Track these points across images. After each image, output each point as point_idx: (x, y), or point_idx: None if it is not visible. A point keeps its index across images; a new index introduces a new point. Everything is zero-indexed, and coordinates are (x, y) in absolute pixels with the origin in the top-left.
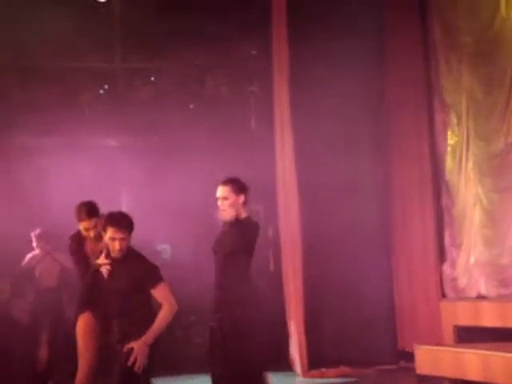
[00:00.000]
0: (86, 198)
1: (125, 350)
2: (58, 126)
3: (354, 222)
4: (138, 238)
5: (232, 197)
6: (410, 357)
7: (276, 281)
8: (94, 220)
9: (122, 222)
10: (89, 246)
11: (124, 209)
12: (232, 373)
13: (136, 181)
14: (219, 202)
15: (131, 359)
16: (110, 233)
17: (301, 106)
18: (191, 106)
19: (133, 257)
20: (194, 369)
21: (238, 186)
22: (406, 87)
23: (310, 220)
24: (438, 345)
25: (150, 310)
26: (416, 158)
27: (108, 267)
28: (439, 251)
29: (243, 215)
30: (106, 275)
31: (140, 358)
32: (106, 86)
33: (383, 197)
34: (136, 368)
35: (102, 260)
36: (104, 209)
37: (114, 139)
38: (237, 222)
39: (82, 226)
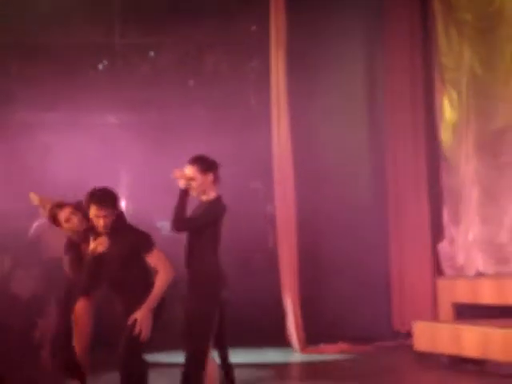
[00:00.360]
0: (85, 174)
1: (130, 321)
2: (57, 102)
3: (349, 198)
4: (137, 215)
5: (199, 177)
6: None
7: (275, 257)
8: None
9: (104, 199)
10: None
11: (123, 185)
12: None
13: (135, 157)
14: (185, 183)
15: (137, 329)
16: (93, 210)
17: (298, 81)
18: (190, 83)
19: (122, 228)
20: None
21: (205, 164)
22: (405, 64)
23: (306, 196)
24: (436, 321)
25: (149, 280)
26: (413, 134)
27: (104, 245)
28: (435, 229)
29: (212, 195)
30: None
31: (145, 327)
32: (105, 62)
33: (379, 174)
34: (142, 337)
35: (95, 244)
36: (103, 184)
37: (112, 115)
38: (204, 203)
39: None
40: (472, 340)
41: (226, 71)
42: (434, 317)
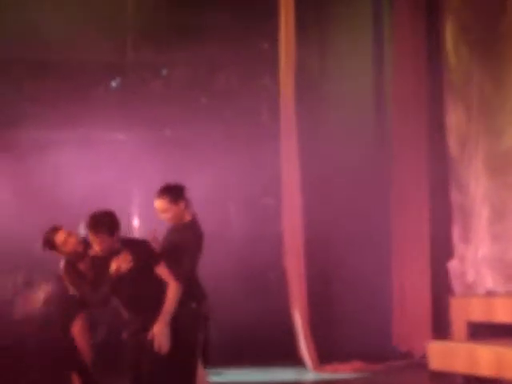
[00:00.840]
0: (97, 192)
1: (149, 337)
2: (68, 120)
3: (357, 214)
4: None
5: (171, 208)
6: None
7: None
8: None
9: (98, 225)
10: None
11: (135, 203)
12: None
13: (147, 175)
14: (161, 216)
15: (156, 345)
16: (90, 236)
17: (306, 98)
18: (202, 100)
19: (129, 245)
20: None
21: (174, 194)
22: (414, 81)
23: (313, 214)
24: (451, 340)
25: (163, 293)
26: (421, 150)
27: (127, 261)
28: (444, 247)
29: (187, 218)
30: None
31: (162, 340)
32: (118, 79)
33: (385, 191)
34: (162, 351)
35: (117, 262)
36: (116, 203)
37: (124, 133)
38: (179, 226)
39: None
40: (487, 359)
41: (237, 88)
42: (450, 335)
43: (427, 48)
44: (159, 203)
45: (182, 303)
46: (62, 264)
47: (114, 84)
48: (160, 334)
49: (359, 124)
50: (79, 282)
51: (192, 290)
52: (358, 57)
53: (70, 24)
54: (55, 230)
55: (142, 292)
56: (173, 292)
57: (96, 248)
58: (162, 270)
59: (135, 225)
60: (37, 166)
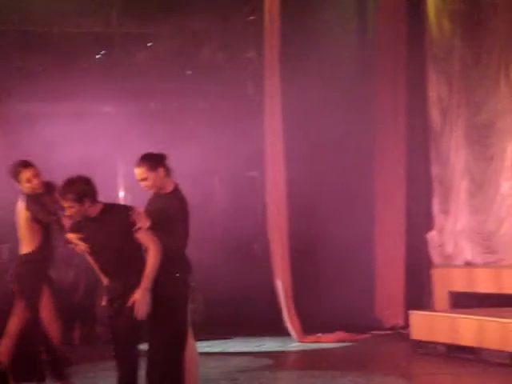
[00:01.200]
0: (83, 164)
1: (130, 303)
2: (55, 91)
3: (338, 187)
4: (133, 205)
5: (150, 175)
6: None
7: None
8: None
9: (66, 191)
10: None
11: (120, 175)
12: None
13: (132, 146)
14: (141, 184)
15: (136, 310)
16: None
17: (291, 70)
18: (188, 72)
19: (108, 211)
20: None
21: (153, 161)
22: (397, 52)
23: (296, 184)
24: (432, 310)
25: (143, 257)
26: (403, 122)
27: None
28: (424, 218)
29: (169, 188)
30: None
31: (142, 307)
32: (103, 51)
33: (368, 162)
34: (140, 315)
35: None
36: (102, 175)
37: (110, 105)
38: (162, 196)
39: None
40: (469, 328)
41: (222, 61)
42: (431, 305)
43: (410, 21)
44: (138, 171)
45: (170, 272)
46: (23, 199)
47: (99, 56)
48: (141, 300)
49: (342, 97)
50: (46, 211)
51: (180, 260)
52: (341, 29)
53: None
54: (25, 165)
55: (121, 257)
56: (153, 257)
57: (66, 212)
58: (143, 235)
59: (121, 196)
60: (23, 138)
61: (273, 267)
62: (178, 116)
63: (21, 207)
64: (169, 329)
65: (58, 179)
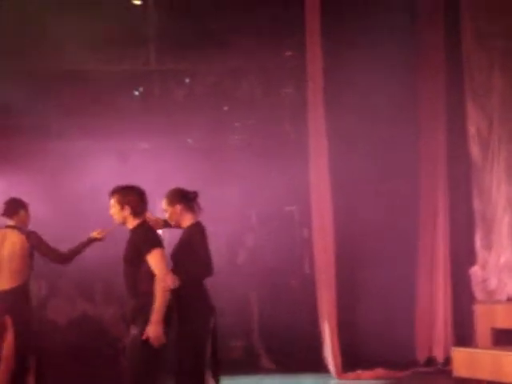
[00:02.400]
0: None
1: (144, 337)
2: (93, 129)
3: (385, 224)
4: (172, 240)
5: (168, 209)
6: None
7: (311, 283)
8: None
9: (117, 191)
10: None
11: (158, 211)
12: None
13: (170, 183)
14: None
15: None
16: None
17: (335, 107)
18: (225, 108)
19: (141, 227)
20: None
21: (174, 196)
22: (437, 90)
23: (343, 222)
24: (475, 347)
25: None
26: (445, 159)
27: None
28: (467, 254)
29: (186, 223)
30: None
31: (156, 340)
32: (141, 89)
33: (412, 200)
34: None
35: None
36: None
37: (148, 142)
38: (183, 230)
39: None
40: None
41: (261, 97)
42: (474, 342)
43: (448, 57)
44: (162, 203)
45: (193, 309)
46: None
47: (137, 93)
48: (153, 334)
49: (384, 133)
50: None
51: (201, 298)
52: (383, 66)
53: (95, 34)
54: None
55: (131, 277)
56: (159, 289)
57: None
58: (152, 259)
59: (160, 232)
60: (61, 176)
61: (316, 303)
62: (215, 152)
63: (18, 239)
64: (185, 364)
65: (96, 217)
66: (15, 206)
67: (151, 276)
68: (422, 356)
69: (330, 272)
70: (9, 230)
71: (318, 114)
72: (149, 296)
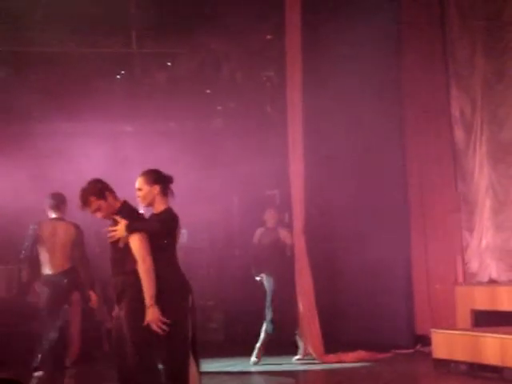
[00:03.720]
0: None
1: (145, 323)
2: (75, 112)
3: (371, 203)
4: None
5: (145, 188)
6: (426, 341)
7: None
8: None
9: (85, 196)
10: None
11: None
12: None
13: (151, 166)
14: (136, 193)
15: (155, 330)
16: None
17: (313, 89)
18: (207, 91)
19: (124, 207)
20: (210, 353)
21: (153, 177)
22: (422, 73)
23: (320, 201)
24: (454, 329)
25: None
26: (434, 141)
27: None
28: (456, 235)
29: (160, 208)
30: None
31: (156, 323)
32: (123, 72)
33: (401, 181)
34: (160, 331)
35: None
36: (120, 193)
37: (129, 124)
38: (153, 215)
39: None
40: (491, 347)
41: (242, 80)
42: (455, 323)
43: (433, 39)
44: (138, 180)
45: (168, 299)
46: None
47: (119, 76)
48: (152, 319)
49: (365, 114)
50: None
51: (176, 285)
52: (366, 50)
53: (76, 17)
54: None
55: (118, 259)
56: (143, 272)
57: (98, 215)
58: (132, 244)
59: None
60: (41, 158)
61: (295, 286)
62: (198, 135)
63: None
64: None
65: (77, 198)
66: (63, 200)
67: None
68: (403, 337)
69: (303, 248)
70: (58, 222)
71: (296, 96)
72: (136, 274)
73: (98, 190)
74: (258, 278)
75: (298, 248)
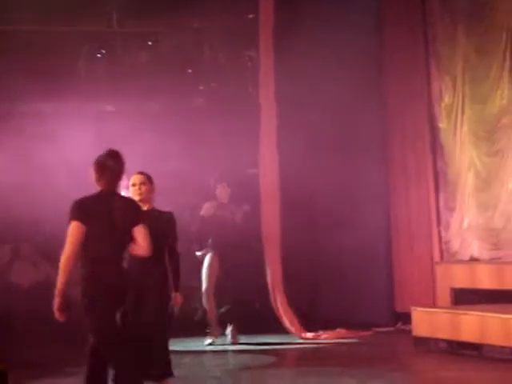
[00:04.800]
0: (82, 164)
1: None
2: (55, 91)
3: (350, 183)
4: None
5: (148, 183)
6: (406, 319)
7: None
8: None
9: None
10: None
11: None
12: None
13: (134, 146)
14: (133, 187)
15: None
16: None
17: (285, 67)
18: (189, 71)
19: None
20: (190, 332)
21: (150, 177)
22: (403, 52)
23: (299, 182)
24: (434, 307)
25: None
26: (413, 121)
27: None
28: (435, 214)
29: (150, 206)
30: None
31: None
32: (104, 51)
33: (382, 159)
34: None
35: None
36: None
37: (111, 104)
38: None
39: None
40: (470, 325)
41: (224, 60)
42: (435, 301)
43: (413, 18)
44: (142, 175)
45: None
46: None
47: (99, 55)
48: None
49: (348, 95)
50: None
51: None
52: (344, 26)
53: None
54: None
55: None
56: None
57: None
58: (137, 233)
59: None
60: (22, 138)
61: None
62: (179, 115)
63: None
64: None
65: (59, 178)
66: None
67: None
68: (383, 316)
69: (276, 238)
70: None
71: (268, 74)
72: None
73: None
74: (198, 253)
75: (270, 226)
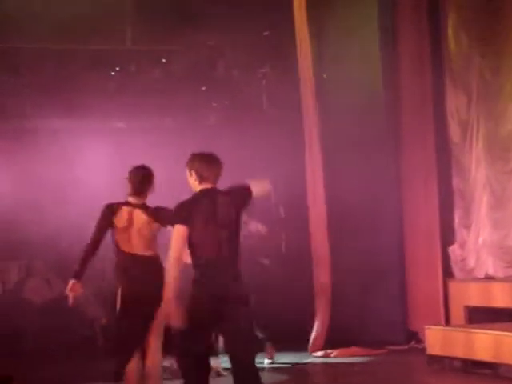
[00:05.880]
0: (95, 180)
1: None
2: (68, 109)
3: (362, 200)
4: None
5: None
6: (420, 337)
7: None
8: None
9: None
10: None
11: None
12: None
13: (147, 163)
14: None
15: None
16: None
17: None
18: (203, 88)
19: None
20: None
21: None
22: (417, 68)
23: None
24: (448, 325)
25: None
26: (424, 137)
27: None
28: (445, 232)
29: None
30: None
31: (171, 318)
32: (117, 68)
33: (392, 176)
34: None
35: None
36: (115, 191)
37: (124, 121)
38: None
39: None
40: (484, 344)
41: (238, 76)
42: (446, 320)
43: (429, 35)
44: None
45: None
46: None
47: (113, 73)
48: (167, 313)
49: (364, 113)
50: None
51: None
52: (363, 46)
53: (71, 13)
54: None
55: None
56: (168, 264)
57: None
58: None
59: None
60: (35, 155)
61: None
62: (193, 132)
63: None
64: None
65: (72, 195)
66: None
67: None
68: (397, 334)
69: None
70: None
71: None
72: None
73: None
74: None
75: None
